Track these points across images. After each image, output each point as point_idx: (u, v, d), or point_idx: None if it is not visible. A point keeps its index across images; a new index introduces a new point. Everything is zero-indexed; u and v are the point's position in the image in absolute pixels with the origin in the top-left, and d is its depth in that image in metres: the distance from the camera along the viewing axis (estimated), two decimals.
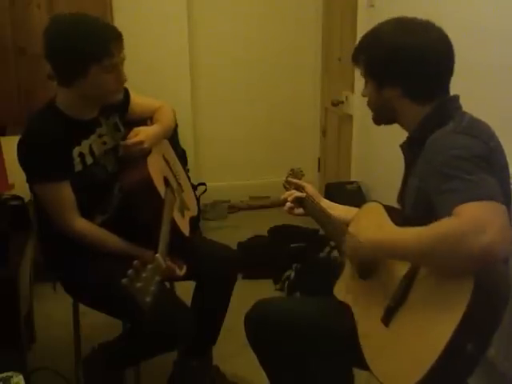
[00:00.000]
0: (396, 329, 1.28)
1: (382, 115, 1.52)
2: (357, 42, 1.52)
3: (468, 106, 1.44)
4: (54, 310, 2.62)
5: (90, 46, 1.66)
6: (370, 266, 1.44)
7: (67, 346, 2.11)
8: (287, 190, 1.90)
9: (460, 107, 1.43)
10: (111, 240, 1.81)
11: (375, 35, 1.47)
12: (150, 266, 1.36)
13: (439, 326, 1.15)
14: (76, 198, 1.78)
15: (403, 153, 1.50)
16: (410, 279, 1.29)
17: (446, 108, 1.40)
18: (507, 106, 1.90)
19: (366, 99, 1.54)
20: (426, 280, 1.25)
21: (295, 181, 1.90)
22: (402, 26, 1.43)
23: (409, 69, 1.39)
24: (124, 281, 1.30)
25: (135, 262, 1.34)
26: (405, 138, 1.49)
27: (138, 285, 1.31)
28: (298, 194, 1.81)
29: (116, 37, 1.71)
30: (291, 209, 1.81)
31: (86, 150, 1.81)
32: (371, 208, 1.56)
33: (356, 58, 1.52)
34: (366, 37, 1.49)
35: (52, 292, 2.02)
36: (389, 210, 1.48)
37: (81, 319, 2.05)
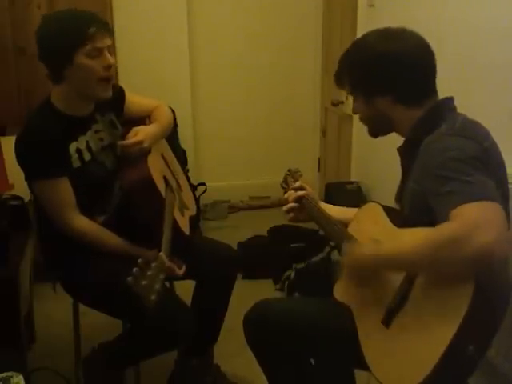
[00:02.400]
0: (397, 330, 1.28)
1: (378, 127, 1.52)
2: (339, 59, 1.52)
3: (467, 106, 1.43)
4: (53, 310, 2.62)
5: (70, 33, 1.69)
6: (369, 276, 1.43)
7: (67, 346, 2.11)
8: (285, 190, 1.89)
9: (454, 108, 1.42)
10: (112, 239, 1.81)
11: (357, 48, 1.48)
12: (154, 264, 1.36)
13: (441, 328, 1.15)
14: (76, 196, 1.78)
15: (400, 156, 1.50)
16: (410, 280, 1.29)
17: (439, 110, 1.40)
18: (507, 107, 1.90)
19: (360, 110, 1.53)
20: (427, 281, 1.25)
21: (297, 184, 1.88)
22: (381, 34, 1.44)
23: (396, 73, 1.39)
24: (129, 279, 1.30)
25: (139, 260, 1.34)
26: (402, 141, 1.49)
27: (143, 283, 1.31)
28: (300, 192, 1.79)
29: (96, 22, 1.71)
30: (292, 209, 1.79)
31: (83, 145, 1.82)
32: (370, 209, 1.56)
33: (339, 79, 1.51)
34: (346, 53, 1.50)
35: (52, 292, 2.02)
36: (388, 210, 1.48)
37: (81, 319, 2.05)
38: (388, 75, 1.40)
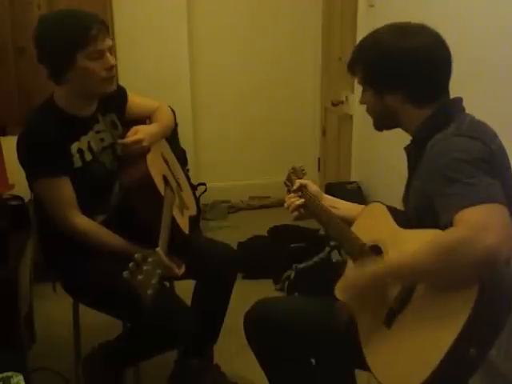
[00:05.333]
0: (398, 331, 1.27)
1: (384, 121, 1.50)
2: (353, 48, 1.49)
3: (471, 106, 1.43)
4: (53, 310, 2.62)
5: (71, 36, 1.68)
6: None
7: (67, 346, 2.11)
8: (288, 188, 1.88)
9: (463, 109, 1.41)
10: (112, 239, 1.81)
11: (372, 41, 1.45)
12: (150, 259, 1.36)
13: (442, 330, 1.14)
14: (76, 196, 1.78)
15: (407, 155, 1.50)
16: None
17: (447, 110, 1.39)
18: (509, 107, 1.90)
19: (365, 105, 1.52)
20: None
21: (299, 182, 1.88)
22: (398, 30, 1.42)
23: (409, 72, 1.38)
24: (125, 273, 1.30)
25: (136, 254, 1.34)
26: (406, 139, 1.49)
27: (140, 277, 1.31)
28: (298, 202, 1.78)
29: (97, 23, 1.71)
30: (298, 216, 1.79)
31: (84, 146, 1.82)
32: (374, 208, 1.55)
33: (352, 67, 1.50)
34: (361, 44, 1.47)
35: (52, 292, 2.02)
36: (392, 211, 1.48)
37: (81, 319, 2.05)
38: (400, 73, 1.38)
